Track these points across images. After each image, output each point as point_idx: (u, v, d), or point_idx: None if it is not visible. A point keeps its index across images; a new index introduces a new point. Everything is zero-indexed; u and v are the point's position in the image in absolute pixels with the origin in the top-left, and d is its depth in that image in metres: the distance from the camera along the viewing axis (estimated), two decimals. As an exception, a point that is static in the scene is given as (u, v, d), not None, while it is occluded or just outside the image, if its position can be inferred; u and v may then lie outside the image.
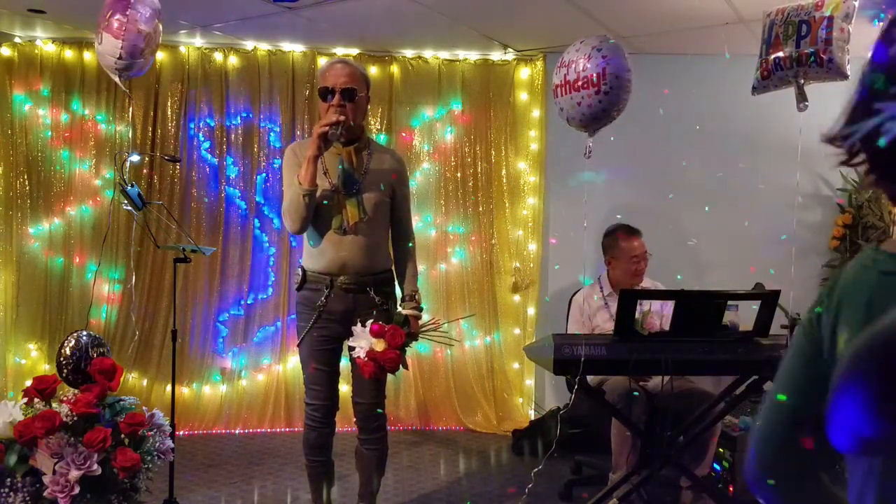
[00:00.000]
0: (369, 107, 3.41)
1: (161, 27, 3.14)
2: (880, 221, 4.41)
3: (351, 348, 2.82)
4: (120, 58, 2.96)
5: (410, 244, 3.05)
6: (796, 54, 2.82)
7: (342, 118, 2.74)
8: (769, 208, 4.59)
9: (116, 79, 3.05)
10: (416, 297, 3.01)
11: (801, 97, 2.91)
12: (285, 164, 2.93)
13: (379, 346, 2.74)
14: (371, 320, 2.79)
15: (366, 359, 2.74)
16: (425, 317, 3.12)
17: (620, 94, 3.06)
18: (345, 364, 3.03)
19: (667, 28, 4.14)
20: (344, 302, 2.87)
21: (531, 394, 5.02)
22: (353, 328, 2.80)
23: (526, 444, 4.47)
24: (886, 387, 0.66)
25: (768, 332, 3.04)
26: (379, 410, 2.97)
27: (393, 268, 3.04)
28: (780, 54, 2.88)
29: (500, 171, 5.02)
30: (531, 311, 5.00)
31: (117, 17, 2.93)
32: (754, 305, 3.05)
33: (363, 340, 2.76)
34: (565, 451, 4.11)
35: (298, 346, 2.96)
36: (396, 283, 3.06)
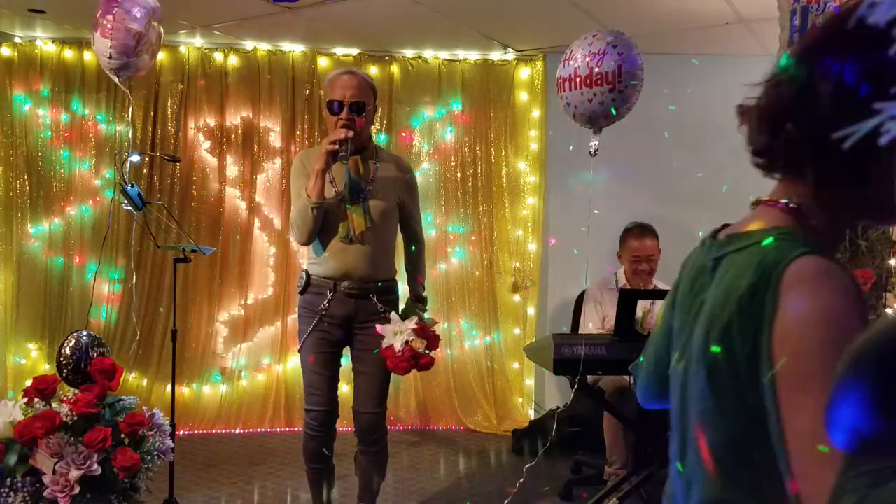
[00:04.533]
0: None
1: (160, 27, 3.12)
2: (880, 221, 4.41)
3: (379, 336, 2.77)
4: (111, 57, 2.95)
5: (414, 248, 3.04)
6: None
7: (350, 133, 2.72)
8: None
9: (116, 79, 3.05)
10: (424, 299, 3.06)
11: None
12: (293, 173, 2.93)
13: (419, 345, 2.69)
14: (415, 317, 2.79)
15: (401, 353, 2.69)
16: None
17: (633, 93, 3.02)
18: (345, 365, 3.03)
19: (667, 28, 4.14)
20: (346, 307, 2.86)
21: (531, 394, 5.02)
22: (391, 315, 2.78)
23: (526, 444, 4.46)
24: (886, 387, 0.67)
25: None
26: (381, 424, 2.95)
27: (396, 278, 3.05)
28: None
29: (500, 171, 5.02)
30: (531, 311, 5.00)
31: (106, 16, 2.93)
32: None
33: (401, 334, 2.71)
34: (565, 451, 4.12)
35: (299, 350, 2.96)
36: (406, 286, 3.08)
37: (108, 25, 2.92)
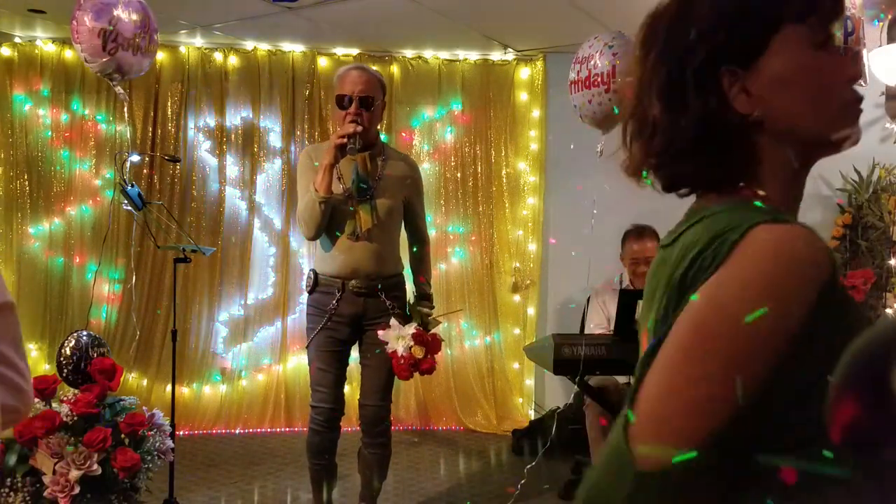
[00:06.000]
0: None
1: (138, 19, 3.02)
2: (880, 221, 4.41)
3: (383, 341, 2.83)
4: (86, 61, 2.93)
5: (416, 248, 3.08)
6: (843, 51, 2.72)
7: (359, 129, 2.74)
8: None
9: (111, 82, 3.03)
10: (430, 296, 3.10)
11: None
12: (300, 168, 2.94)
13: (419, 352, 2.75)
14: (415, 323, 2.83)
15: (402, 360, 2.75)
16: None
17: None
18: (352, 363, 3.04)
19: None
20: (354, 305, 2.88)
21: (531, 394, 5.02)
22: (391, 321, 2.81)
23: (526, 444, 4.46)
24: (882, 389, 0.67)
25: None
26: (385, 416, 2.97)
27: (403, 272, 3.07)
28: None
29: (500, 171, 5.02)
30: (531, 311, 5.00)
31: (72, 22, 2.92)
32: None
33: (402, 340, 2.77)
34: (565, 450, 4.12)
35: (307, 348, 2.97)
36: (411, 284, 3.10)
37: (73, 31, 2.90)
